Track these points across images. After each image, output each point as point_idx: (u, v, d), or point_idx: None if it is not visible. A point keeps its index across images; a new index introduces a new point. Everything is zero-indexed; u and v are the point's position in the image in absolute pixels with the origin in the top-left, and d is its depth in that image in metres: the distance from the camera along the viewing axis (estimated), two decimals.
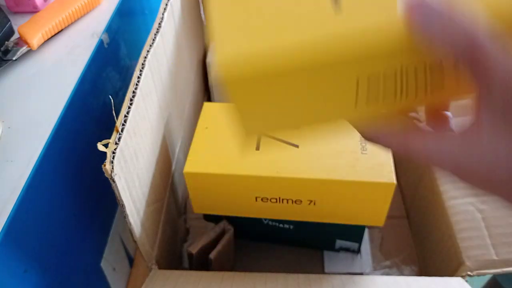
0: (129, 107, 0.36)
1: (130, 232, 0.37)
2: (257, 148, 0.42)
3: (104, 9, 0.46)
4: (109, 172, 0.32)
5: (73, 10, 0.43)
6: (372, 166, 0.40)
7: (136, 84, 0.37)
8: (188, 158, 0.42)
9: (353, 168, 0.39)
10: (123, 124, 0.35)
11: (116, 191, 0.33)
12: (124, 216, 0.36)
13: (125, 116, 0.36)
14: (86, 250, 0.40)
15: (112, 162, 0.32)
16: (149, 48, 0.40)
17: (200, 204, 0.46)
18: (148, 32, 0.41)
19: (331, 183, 0.39)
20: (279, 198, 0.42)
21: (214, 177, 0.41)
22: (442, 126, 0.25)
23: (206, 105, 0.48)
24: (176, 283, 0.36)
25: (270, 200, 0.43)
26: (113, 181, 0.33)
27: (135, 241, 0.38)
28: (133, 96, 0.37)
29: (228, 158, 0.42)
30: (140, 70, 0.38)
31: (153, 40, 0.41)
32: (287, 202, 0.42)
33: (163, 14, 0.45)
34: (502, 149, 0.19)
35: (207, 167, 0.41)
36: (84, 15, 0.45)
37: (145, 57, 0.39)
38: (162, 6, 0.47)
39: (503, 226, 0.42)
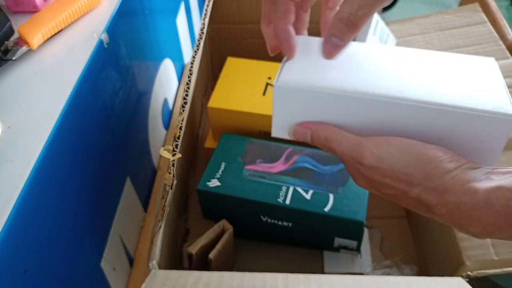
0: (181, 113, 0.38)
1: (153, 234, 0.37)
2: (264, 94, 0.57)
3: (104, 9, 0.46)
4: (171, 180, 0.32)
5: (73, 10, 0.43)
6: None
7: (186, 91, 0.39)
8: (212, 96, 0.57)
9: None
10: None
11: (168, 198, 0.33)
12: (159, 220, 0.35)
13: (182, 123, 0.36)
14: (86, 250, 0.40)
15: (173, 171, 0.32)
16: (195, 55, 0.44)
17: (218, 133, 0.59)
18: (148, 32, 0.41)
19: None
20: None
21: (229, 112, 0.56)
22: None
23: (229, 59, 0.64)
24: (176, 283, 0.36)
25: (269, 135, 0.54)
26: (172, 188, 0.32)
27: (152, 242, 0.37)
28: (185, 103, 0.38)
29: (241, 99, 0.57)
30: (189, 77, 0.41)
31: (198, 46, 0.49)
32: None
33: (204, 20, 0.53)
34: None
35: (225, 104, 0.56)
36: (84, 15, 0.45)
37: (192, 64, 0.42)
38: (203, 12, 0.55)
39: None
